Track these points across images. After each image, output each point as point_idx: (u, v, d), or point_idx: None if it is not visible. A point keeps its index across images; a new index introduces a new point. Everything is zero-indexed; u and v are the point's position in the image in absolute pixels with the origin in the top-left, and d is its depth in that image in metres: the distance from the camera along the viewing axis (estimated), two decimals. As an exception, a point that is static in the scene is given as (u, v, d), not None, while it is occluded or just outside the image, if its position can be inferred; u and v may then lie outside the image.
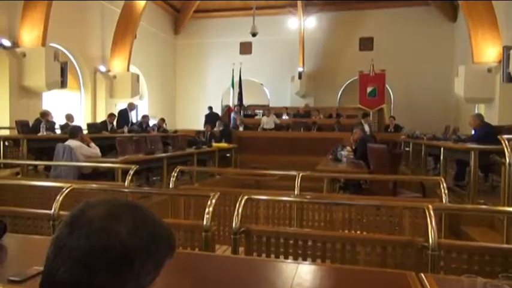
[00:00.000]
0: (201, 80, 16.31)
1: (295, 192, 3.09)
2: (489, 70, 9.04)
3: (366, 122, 9.54)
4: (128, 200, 0.70)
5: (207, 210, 2.09)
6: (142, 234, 0.64)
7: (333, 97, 15.19)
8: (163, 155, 6.46)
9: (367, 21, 14.79)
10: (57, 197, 2.34)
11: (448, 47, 13.93)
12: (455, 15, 13.78)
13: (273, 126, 11.83)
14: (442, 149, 5.98)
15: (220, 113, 15.31)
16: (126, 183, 3.52)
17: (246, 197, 2.16)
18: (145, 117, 10.20)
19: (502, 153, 3.62)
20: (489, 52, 9.16)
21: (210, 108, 12.67)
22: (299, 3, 14.54)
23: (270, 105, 15.86)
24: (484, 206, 3.74)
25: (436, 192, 4.19)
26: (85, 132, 6.61)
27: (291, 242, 1.96)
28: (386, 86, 13.36)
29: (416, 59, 14.27)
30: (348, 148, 7.39)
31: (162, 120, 10.99)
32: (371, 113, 12.95)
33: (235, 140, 10.41)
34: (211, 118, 12.28)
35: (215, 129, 10.32)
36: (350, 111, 13.77)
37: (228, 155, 9.53)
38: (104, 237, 0.61)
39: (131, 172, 3.66)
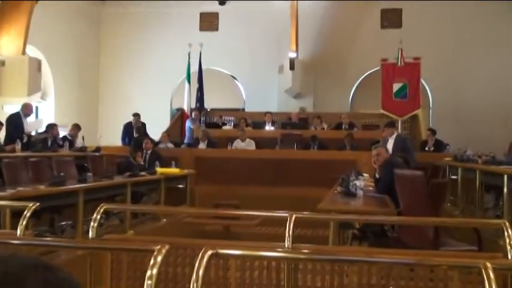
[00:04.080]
0: (140, 70, 16.29)
1: (286, 245, 3.09)
2: None
3: (390, 134, 9.60)
4: (34, 256, 0.70)
5: (148, 273, 2.07)
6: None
7: (342, 98, 15.46)
8: (79, 186, 6.39)
9: (392, -15, 15.26)
10: None
11: (510, 30, 14.46)
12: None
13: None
14: (505, 177, 6.12)
15: (169, 120, 15.28)
16: (18, 232, 3.44)
17: (209, 253, 2.15)
18: (52, 128, 10.05)
19: None
20: None
21: (136, 116, 12.39)
22: (291, -45, 14.86)
23: (246, 109, 15.94)
24: None
25: (498, 243, 4.27)
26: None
27: (280, 321, 1.95)
28: (422, 81, 13.69)
29: (465, 43, 14.72)
30: (366, 176, 7.47)
31: (76, 127, 10.82)
32: (399, 123, 13.19)
33: (192, 163, 10.36)
34: (127, 132, 12.14)
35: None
36: (368, 119, 14.03)
37: (181, 186, 9.44)
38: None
39: (27, 214, 3.61)
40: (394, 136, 9.41)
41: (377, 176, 6.23)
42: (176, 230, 7.59)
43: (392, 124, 10.24)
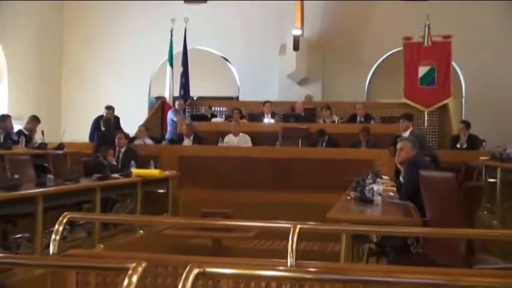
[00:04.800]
0: (112, 52, 16.28)
1: (288, 262, 3.09)
2: None
3: (405, 129, 9.66)
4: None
5: (122, 295, 2.06)
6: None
7: (356, 84, 15.49)
8: (37, 190, 6.37)
9: None
10: None
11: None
12: None
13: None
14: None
15: (147, 112, 15.24)
16: (-37, 246, 3.44)
17: (196, 271, 2.14)
18: (5, 120, 10.02)
19: None
20: None
21: (109, 109, 12.32)
22: None
23: (241, 98, 15.93)
24: None
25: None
26: None
27: None
28: (454, 64, 13.69)
29: (505, 17, 14.67)
30: (386, 178, 7.46)
31: (35, 120, 10.79)
32: (425, 115, 13.18)
33: (175, 163, 10.36)
34: (98, 127, 12.06)
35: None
36: (389, 110, 14.03)
37: (161, 191, 9.44)
38: None
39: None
40: (408, 132, 9.44)
41: (401, 179, 6.22)
42: (155, 244, 7.58)
43: (410, 117, 10.25)
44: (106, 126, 11.80)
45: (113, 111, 12.27)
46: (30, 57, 15.19)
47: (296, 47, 14.93)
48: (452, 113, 13.56)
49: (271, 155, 10.85)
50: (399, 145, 6.33)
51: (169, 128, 13.22)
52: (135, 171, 8.86)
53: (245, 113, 13.81)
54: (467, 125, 11.57)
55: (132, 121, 12.92)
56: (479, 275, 3.29)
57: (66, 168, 9.21)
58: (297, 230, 3.25)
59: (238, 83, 16.31)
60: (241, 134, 11.69)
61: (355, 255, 4.95)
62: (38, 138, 10.51)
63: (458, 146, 11.37)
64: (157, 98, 15.73)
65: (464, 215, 4.65)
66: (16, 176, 6.76)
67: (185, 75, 14.57)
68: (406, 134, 9.33)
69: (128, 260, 2.26)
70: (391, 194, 6.34)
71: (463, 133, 11.41)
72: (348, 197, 6.12)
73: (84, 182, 7.58)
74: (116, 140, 10.19)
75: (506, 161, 8.52)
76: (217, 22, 15.68)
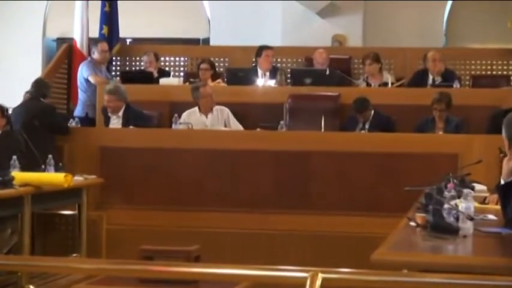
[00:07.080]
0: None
1: None
2: None
3: None
4: None
5: None
6: None
7: (426, 17, 15.67)
8: None
9: None
10: None
11: None
12: None
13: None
14: None
15: (40, 66, 15.28)
16: None
17: None
18: None
19: None
20: None
21: None
22: None
23: (213, 42, 16.10)
24: None
25: None
26: None
27: None
28: None
29: None
30: (481, 188, 7.51)
31: None
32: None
33: (92, 161, 10.41)
34: None
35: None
36: (487, 61, 14.13)
37: (68, 212, 9.51)
38: None
39: None
40: None
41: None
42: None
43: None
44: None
45: None
46: None
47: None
48: None
49: (271, 145, 10.90)
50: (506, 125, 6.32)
51: (81, 95, 13.24)
52: (19, 175, 8.89)
53: (222, 68, 13.85)
54: None
55: (14, 84, 12.95)
56: None
57: None
58: (319, 282, 3.28)
59: (209, 15, 16.44)
60: (216, 108, 11.62)
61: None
62: None
63: None
64: (60, 41, 15.76)
65: None
66: None
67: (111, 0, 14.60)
68: None
69: None
70: (491, 217, 6.37)
71: None
72: (412, 223, 6.17)
73: None
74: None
75: None
76: None
